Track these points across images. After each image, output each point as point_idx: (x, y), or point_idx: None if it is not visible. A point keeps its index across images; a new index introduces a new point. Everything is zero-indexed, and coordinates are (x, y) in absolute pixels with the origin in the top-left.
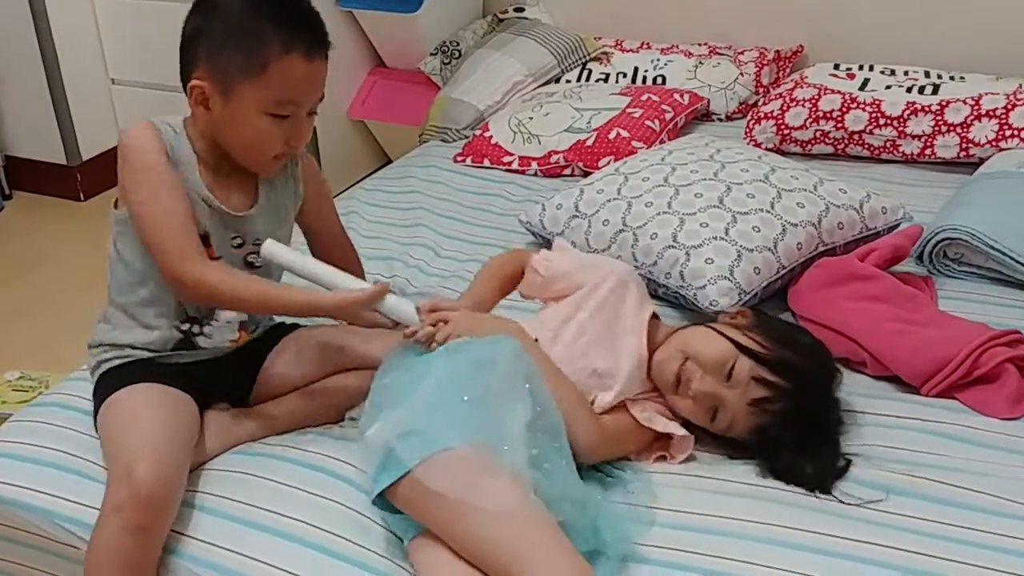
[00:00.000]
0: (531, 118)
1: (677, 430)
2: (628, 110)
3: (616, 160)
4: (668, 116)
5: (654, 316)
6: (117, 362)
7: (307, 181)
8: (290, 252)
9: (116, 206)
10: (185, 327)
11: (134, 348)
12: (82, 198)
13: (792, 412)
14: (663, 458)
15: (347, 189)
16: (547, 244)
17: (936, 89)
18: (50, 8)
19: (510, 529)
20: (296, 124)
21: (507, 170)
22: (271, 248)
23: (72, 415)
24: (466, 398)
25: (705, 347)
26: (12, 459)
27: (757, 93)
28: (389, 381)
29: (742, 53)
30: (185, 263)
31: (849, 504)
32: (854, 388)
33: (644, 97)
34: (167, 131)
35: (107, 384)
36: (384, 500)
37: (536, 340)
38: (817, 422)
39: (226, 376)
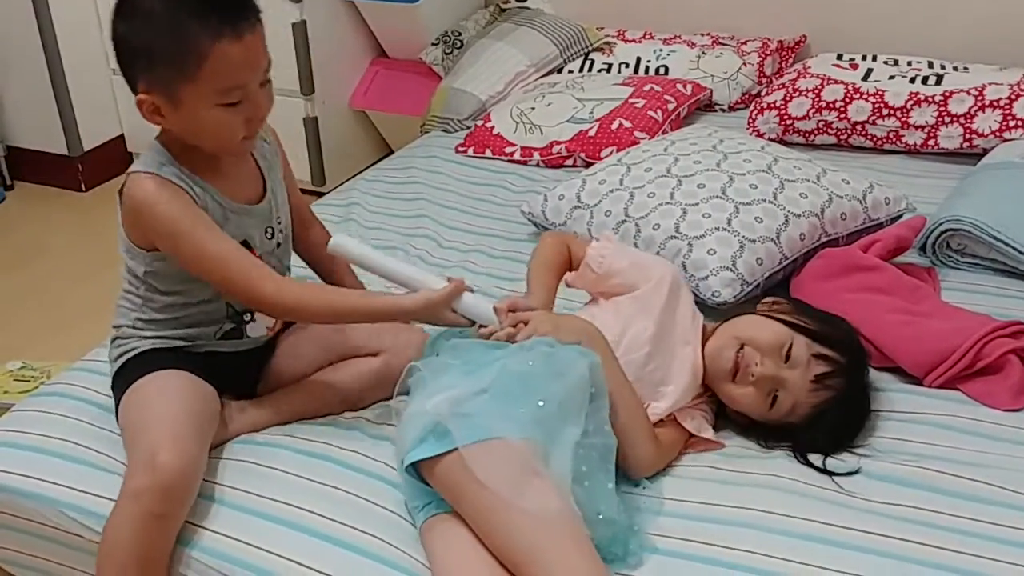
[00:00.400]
0: (533, 108)
1: (719, 443)
2: (631, 100)
3: (619, 150)
4: (671, 106)
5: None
6: (146, 346)
7: (280, 156)
8: (359, 246)
9: (129, 237)
10: (235, 319)
11: (173, 339)
12: (83, 188)
13: (849, 387)
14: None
15: (349, 180)
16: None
17: (939, 80)
18: None
19: (543, 535)
20: (252, 103)
21: (509, 160)
22: (341, 242)
23: (75, 404)
24: (541, 402)
25: (760, 331)
26: (15, 448)
27: (760, 83)
28: (460, 362)
29: (745, 43)
30: (263, 287)
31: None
32: None
33: (647, 87)
34: (179, 178)
35: (131, 371)
36: (412, 470)
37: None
38: (866, 397)
39: (237, 369)
